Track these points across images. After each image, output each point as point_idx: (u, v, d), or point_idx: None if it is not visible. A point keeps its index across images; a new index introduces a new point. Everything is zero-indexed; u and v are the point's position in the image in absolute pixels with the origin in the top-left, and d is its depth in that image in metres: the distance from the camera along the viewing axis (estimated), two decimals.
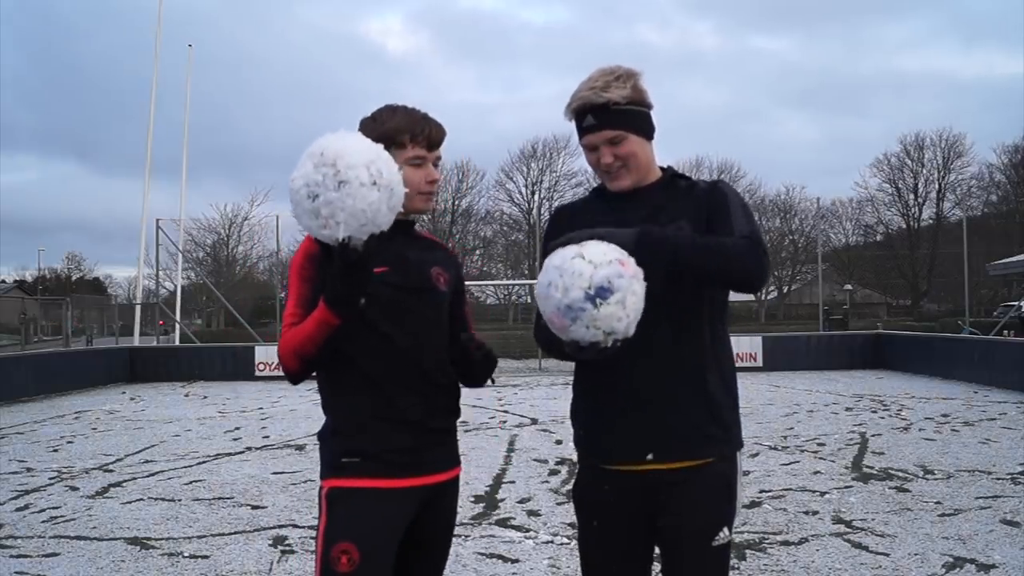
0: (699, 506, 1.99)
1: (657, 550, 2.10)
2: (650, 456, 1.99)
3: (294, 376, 2.01)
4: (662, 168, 2.12)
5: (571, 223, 2.01)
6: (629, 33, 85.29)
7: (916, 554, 4.48)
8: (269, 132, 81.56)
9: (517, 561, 4.51)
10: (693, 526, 1.99)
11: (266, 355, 17.54)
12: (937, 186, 51.38)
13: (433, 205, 2.16)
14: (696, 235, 1.92)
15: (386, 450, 2.00)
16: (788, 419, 9.94)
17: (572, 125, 2.07)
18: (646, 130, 2.04)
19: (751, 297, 53.63)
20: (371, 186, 1.78)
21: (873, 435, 8.57)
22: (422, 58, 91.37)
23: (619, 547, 2.05)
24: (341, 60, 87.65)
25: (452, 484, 2.16)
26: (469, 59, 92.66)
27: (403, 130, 2.06)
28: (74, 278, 66.27)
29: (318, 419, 2.11)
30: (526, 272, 46.39)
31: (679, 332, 1.99)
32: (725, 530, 2.02)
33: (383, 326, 2.00)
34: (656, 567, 2.13)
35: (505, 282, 47.21)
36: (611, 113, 1.97)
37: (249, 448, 8.47)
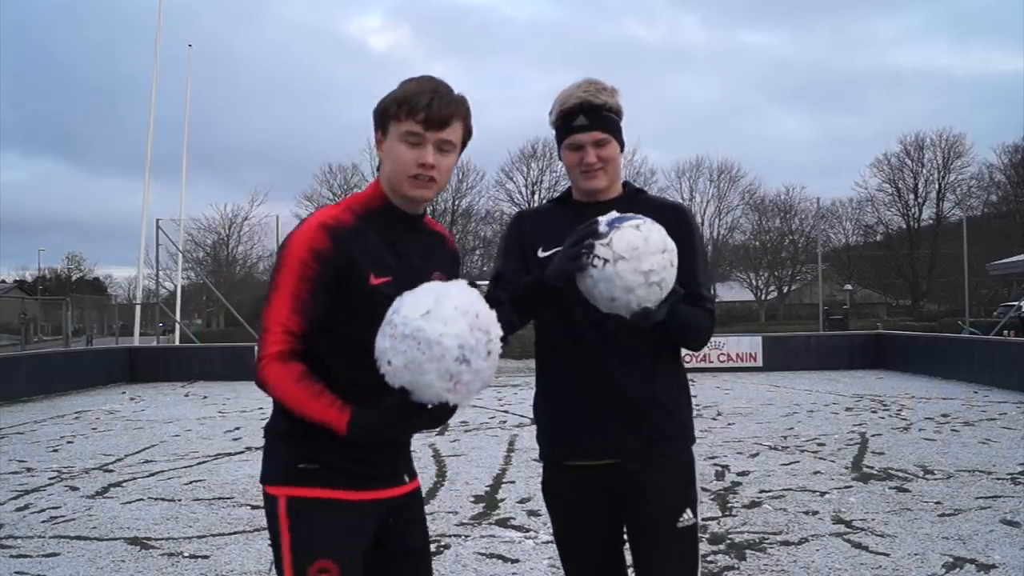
0: (661, 489, 2.10)
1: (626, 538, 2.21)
2: (611, 455, 2.11)
3: (265, 392, 1.81)
4: (622, 183, 2.27)
5: (532, 229, 2.20)
6: (616, 27, 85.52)
7: (916, 554, 4.47)
8: (253, 129, 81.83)
9: (517, 561, 4.51)
10: (657, 509, 2.10)
11: None
12: (937, 186, 51.44)
13: (427, 196, 1.88)
14: (687, 309, 2.08)
15: (346, 457, 1.83)
16: (788, 419, 9.95)
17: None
18: (622, 140, 2.17)
19: (751, 297, 53.69)
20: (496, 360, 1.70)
21: (873, 435, 8.57)
22: (405, 54, 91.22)
23: (590, 537, 2.17)
24: (324, 57, 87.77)
25: (415, 498, 2.00)
26: (454, 55, 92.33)
27: (400, 100, 1.82)
28: (74, 278, 66.35)
29: None
30: None
31: (635, 345, 2.11)
32: (689, 512, 2.12)
33: (368, 338, 1.72)
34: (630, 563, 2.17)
35: None
36: (602, 116, 2.11)
37: (249, 448, 8.46)
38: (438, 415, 1.68)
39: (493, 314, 1.69)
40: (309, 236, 1.79)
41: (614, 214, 1.94)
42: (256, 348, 1.81)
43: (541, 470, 2.31)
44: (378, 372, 1.69)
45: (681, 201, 2.50)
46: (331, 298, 1.80)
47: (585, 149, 2.11)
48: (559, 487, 2.21)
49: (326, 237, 1.78)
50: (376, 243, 1.84)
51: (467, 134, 1.90)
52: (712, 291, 2.24)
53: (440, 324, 1.62)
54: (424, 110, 1.79)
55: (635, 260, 1.86)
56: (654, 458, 2.10)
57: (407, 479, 1.96)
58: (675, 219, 2.14)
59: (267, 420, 1.93)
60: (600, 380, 2.10)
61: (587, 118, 2.09)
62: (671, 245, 1.92)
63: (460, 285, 1.71)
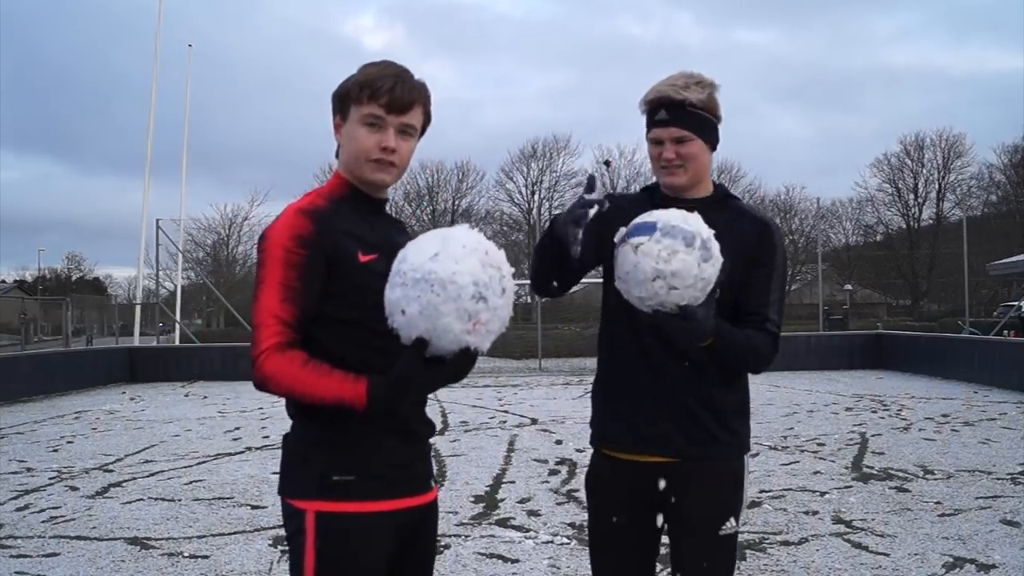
0: (707, 494, 2.06)
1: (665, 539, 2.15)
2: (657, 452, 2.07)
3: (264, 391, 1.74)
4: (714, 183, 2.18)
5: (621, 218, 1.99)
6: (610, 25, 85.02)
7: (916, 554, 4.48)
8: (251, 129, 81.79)
9: (517, 561, 4.51)
10: (701, 513, 2.05)
11: None
12: (937, 186, 51.43)
13: (388, 181, 1.84)
14: (736, 334, 2.00)
15: (385, 464, 1.77)
16: (788, 419, 9.94)
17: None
18: (711, 139, 2.10)
19: None
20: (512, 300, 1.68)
21: (873, 435, 8.57)
22: (400, 53, 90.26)
23: (622, 533, 2.12)
24: (320, 56, 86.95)
25: (433, 510, 1.92)
26: (448, 53, 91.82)
27: (363, 83, 1.78)
28: (74, 278, 66.38)
29: None
30: (526, 272, 46.21)
31: (696, 347, 2.03)
32: (732, 520, 2.08)
33: (370, 318, 1.71)
34: (665, 563, 2.14)
35: None
36: (685, 112, 2.05)
37: (249, 448, 8.45)
38: (459, 365, 1.64)
39: (501, 252, 1.67)
40: (289, 223, 1.74)
41: (635, 223, 1.90)
42: (251, 348, 1.73)
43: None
44: (386, 349, 1.64)
45: (770, 218, 2.27)
46: (322, 283, 1.73)
47: (665, 145, 2.07)
48: (601, 477, 2.17)
49: (308, 221, 1.74)
50: (355, 222, 1.81)
51: (427, 120, 1.87)
52: (780, 314, 2.11)
53: (452, 263, 1.59)
54: (387, 94, 1.76)
55: (626, 284, 1.89)
56: (701, 461, 2.06)
57: (432, 484, 1.91)
58: (755, 232, 2.09)
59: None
60: (654, 377, 2.06)
61: (668, 113, 2.05)
62: (672, 269, 1.80)
63: (463, 227, 1.69)
